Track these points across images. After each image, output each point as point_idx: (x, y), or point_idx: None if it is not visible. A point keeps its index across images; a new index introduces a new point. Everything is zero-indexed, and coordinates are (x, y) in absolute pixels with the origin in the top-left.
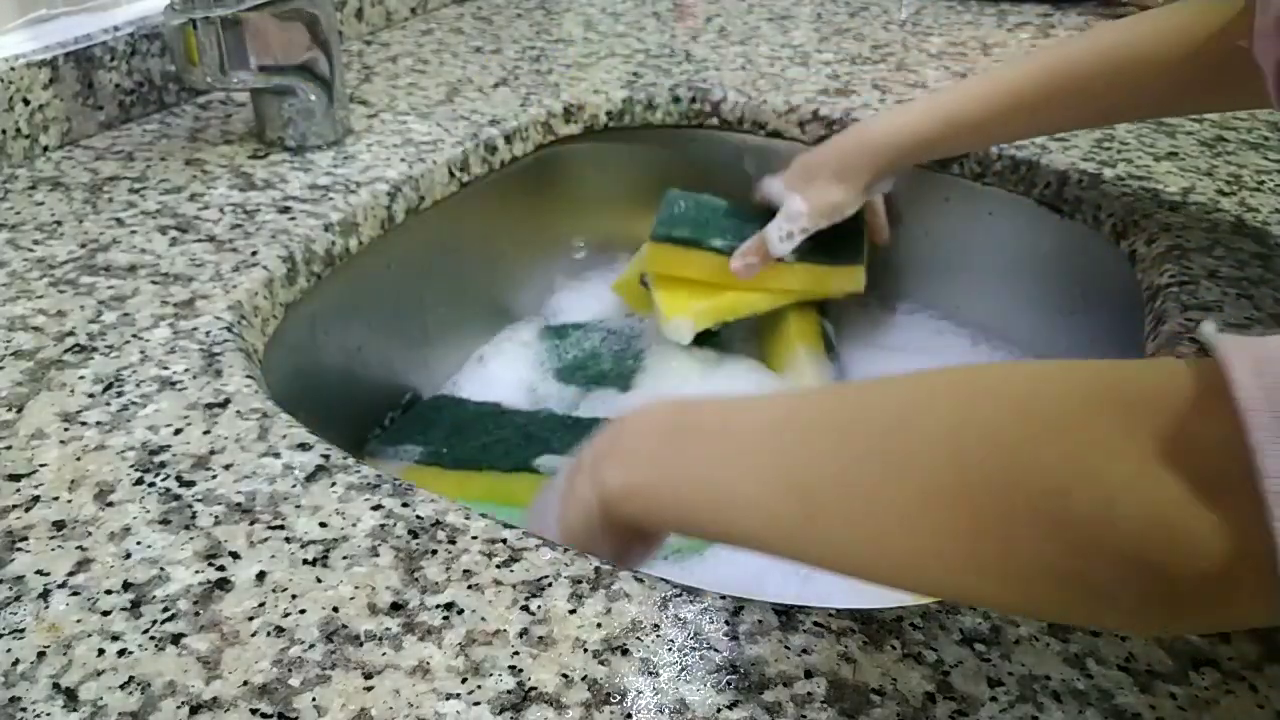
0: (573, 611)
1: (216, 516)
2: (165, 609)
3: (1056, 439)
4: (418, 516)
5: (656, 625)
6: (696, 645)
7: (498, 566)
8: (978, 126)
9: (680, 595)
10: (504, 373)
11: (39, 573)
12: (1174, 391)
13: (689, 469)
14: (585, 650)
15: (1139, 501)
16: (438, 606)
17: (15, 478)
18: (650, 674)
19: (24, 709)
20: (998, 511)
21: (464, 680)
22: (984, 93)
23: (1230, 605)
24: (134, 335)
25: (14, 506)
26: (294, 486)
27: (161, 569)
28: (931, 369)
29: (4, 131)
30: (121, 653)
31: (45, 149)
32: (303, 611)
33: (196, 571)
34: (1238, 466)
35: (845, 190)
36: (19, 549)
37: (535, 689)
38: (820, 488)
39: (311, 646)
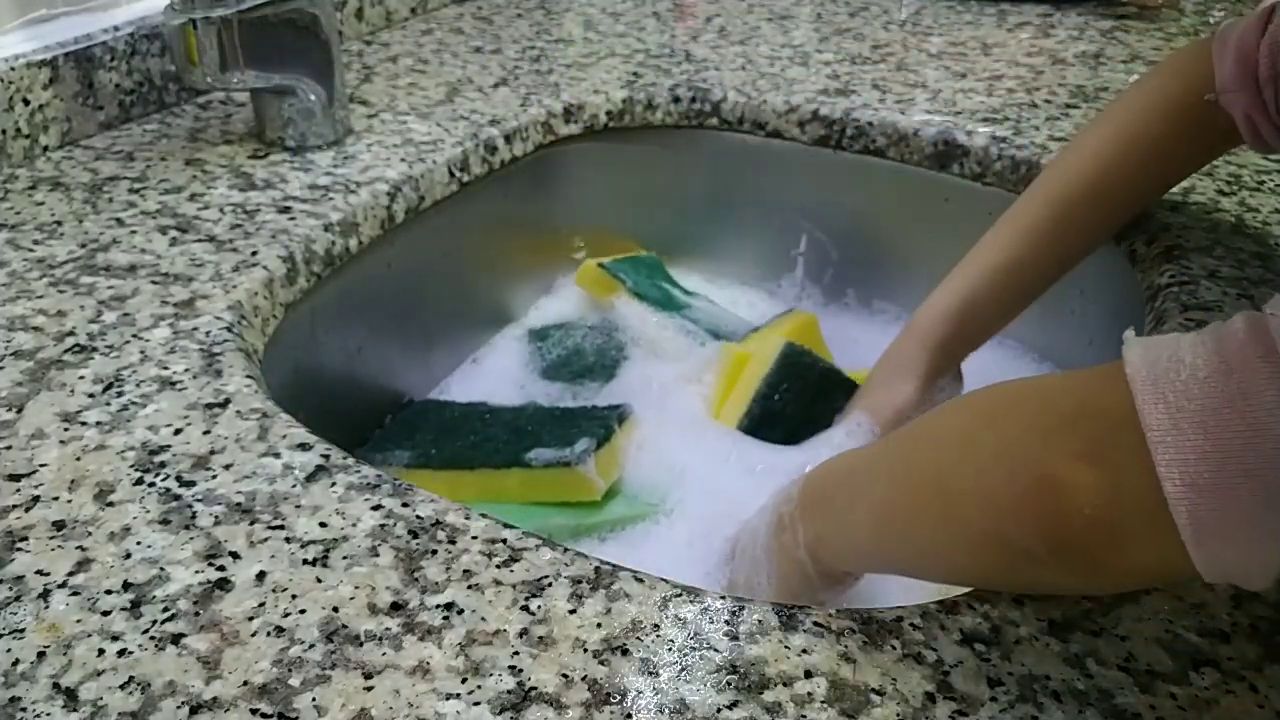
0: (573, 611)
1: (216, 516)
2: (165, 609)
3: (992, 437)
4: (418, 516)
5: (656, 625)
6: (696, 645)
7: (498, 566)
8: (1011, 270)
9: (680, 595)
10: (495, 374)
11: (39, 573)
12: (1084, 383)
13: (841, 517)
14: (585, 650)
15: (1036, 461)
16: (438, 606)
17: (15, 478)
18: (650, 674)
19: (24, 709)
20: (950, 499)
21: (464, 680)
22: (1002, 240)
23: (1125, 552)
24: (134, 335)
25: (14, 506)
26: (294, 486)
27: (161, 569)
28: (935, 414)
29: (4, 131)
30: (121, 653)
31: (45, 149)
32: (303, 611)
33: (196, 571)
34: (1126, 431)
35: (907, 387)
36: (19, 549)
37: (535, 689)
38: (886, 517)
39: (311, 646)
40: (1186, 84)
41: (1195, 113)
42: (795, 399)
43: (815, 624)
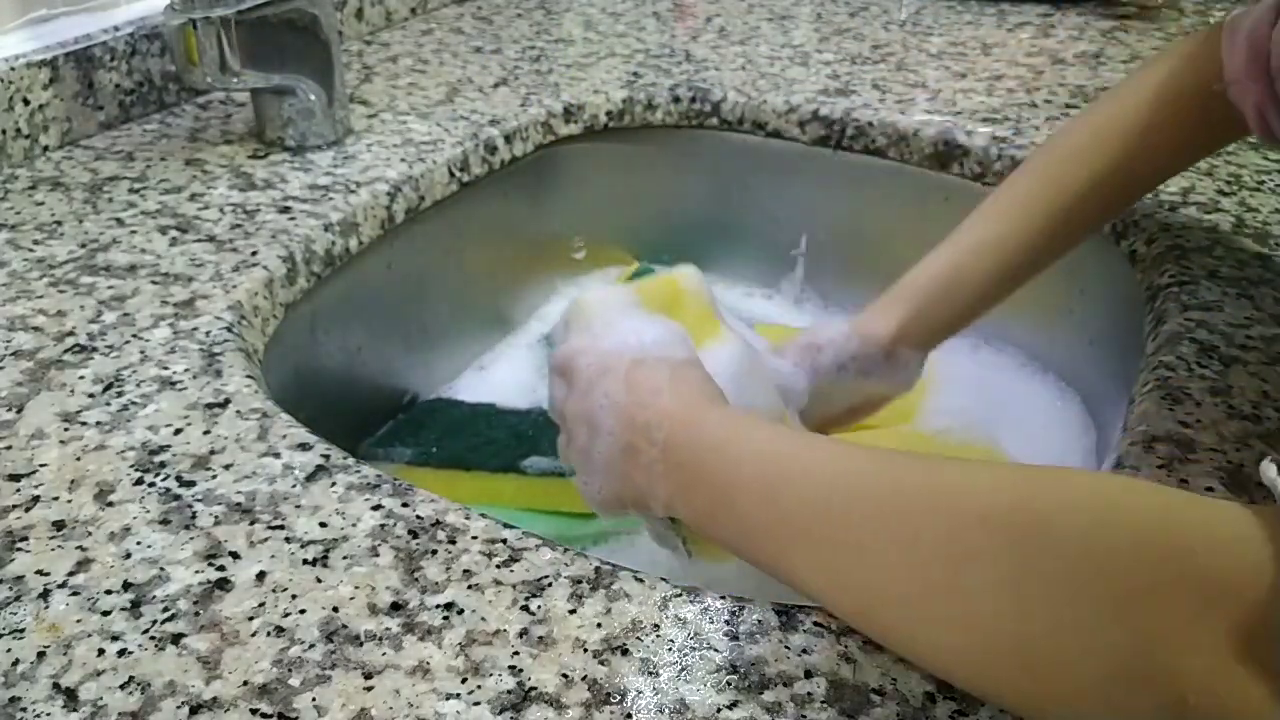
0: (573, 611)
1: (216, 516)
2: (165, 609)
3: (1126, 617)
4: (418, 516)
5: (656, 625)
6: (696, 645)
7: (498, 566)
8: (999, 245)
9: (680, 595)
10: (504, 376)
11: (39, 573)
12: (1249, 567)
13: (743, 534)
14: (585, 650)
15: (1213, 704)
16: (438, 606)
17: (15, 478)
18: (650, 674)
19: (24, 709)
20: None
21: (464, 680)
22: (991, 214)
23: None
24: (134, 335)
25: (14, 506)
26: (294, 486)
27: (161, 569)
28: (976, 475)
29: (4, 131)
30: (121, 653)
31: (45, 149)
32: (303, 611)
33: (196, 571)
34: None
35: (882, 321)
36: (19, 549)
37: (535, 689)
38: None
39: (311, 646)
40: (1195, 72)
41: (1201, 101)
42: None
43: (815, 624)
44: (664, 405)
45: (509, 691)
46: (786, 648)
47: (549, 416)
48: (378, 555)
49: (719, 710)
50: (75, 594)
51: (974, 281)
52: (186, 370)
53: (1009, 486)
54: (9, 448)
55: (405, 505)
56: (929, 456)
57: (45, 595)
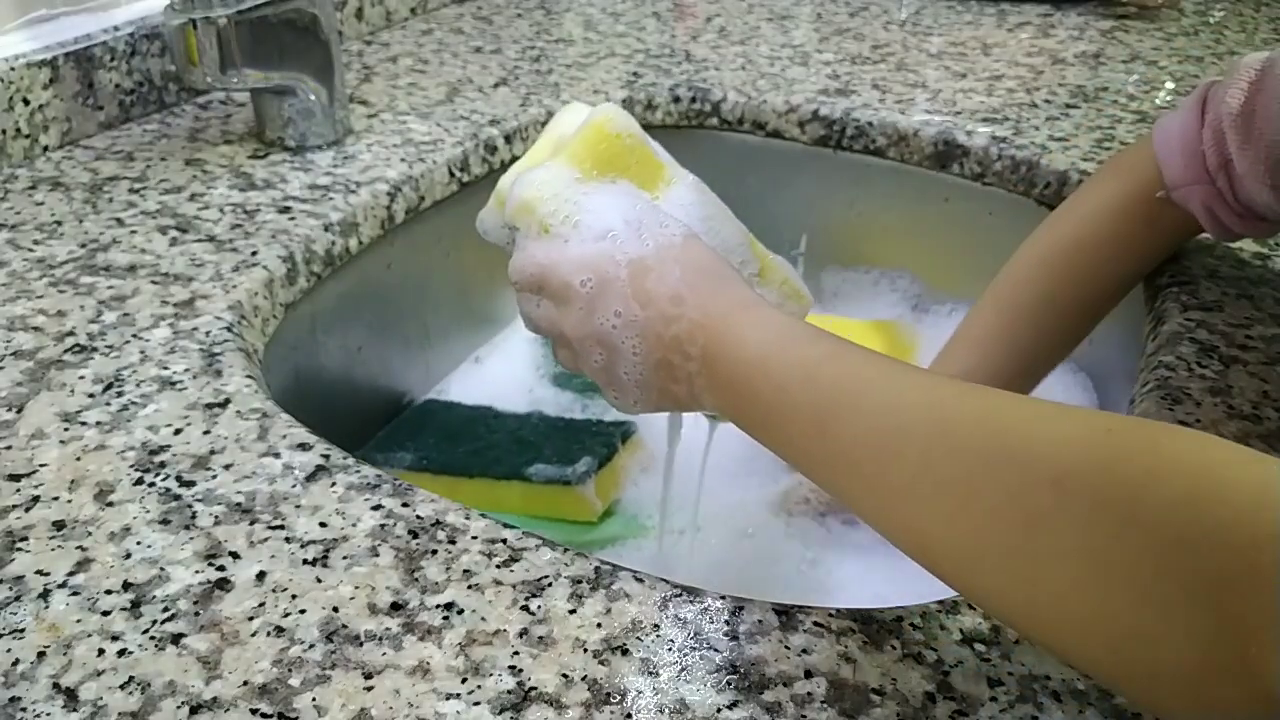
0: (573, 611)
1: (216, 516)
2: (165, 609)
3: (1218, 602)
4: (418, 516)
5: (656, 625)
6: (696, 645)
7: (498, 566)
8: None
9: (680, 595)
10: (500, 375)
11: (39, 573)
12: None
13: (795, 457)
14: (585, 650)
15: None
16: (438, 606)
17: (15, 478)
18: (650, 674)
19: (24, 709)
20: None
21: (464, 680)
22: (952, 354)
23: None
24: (134, 335)
25: (14, 506)
26: (294, 486)
27: (161, 569)
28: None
29: (4, 131)
30: (121, 653)
31: (45, 149)
32: (303, 611)
33: (196, 571)
34: None
35: None
36: (19, 549)
37: (535, 689)
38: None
39: (311, 646)
40: (1136, 182)
41: (1146, 209)
42: None
43: (815, 624)
44: (691, 315)
45: (509, 691)
46: (786, 648)
47: (549, 419)
48: (378, 555)
49: (719, 710)
50: (75, 594)
51: None
52: (186, 370)
53: (1089, 445)
54: (9, 448)
55: (405, 505)
56: (986, 392)
57: (45, 595)
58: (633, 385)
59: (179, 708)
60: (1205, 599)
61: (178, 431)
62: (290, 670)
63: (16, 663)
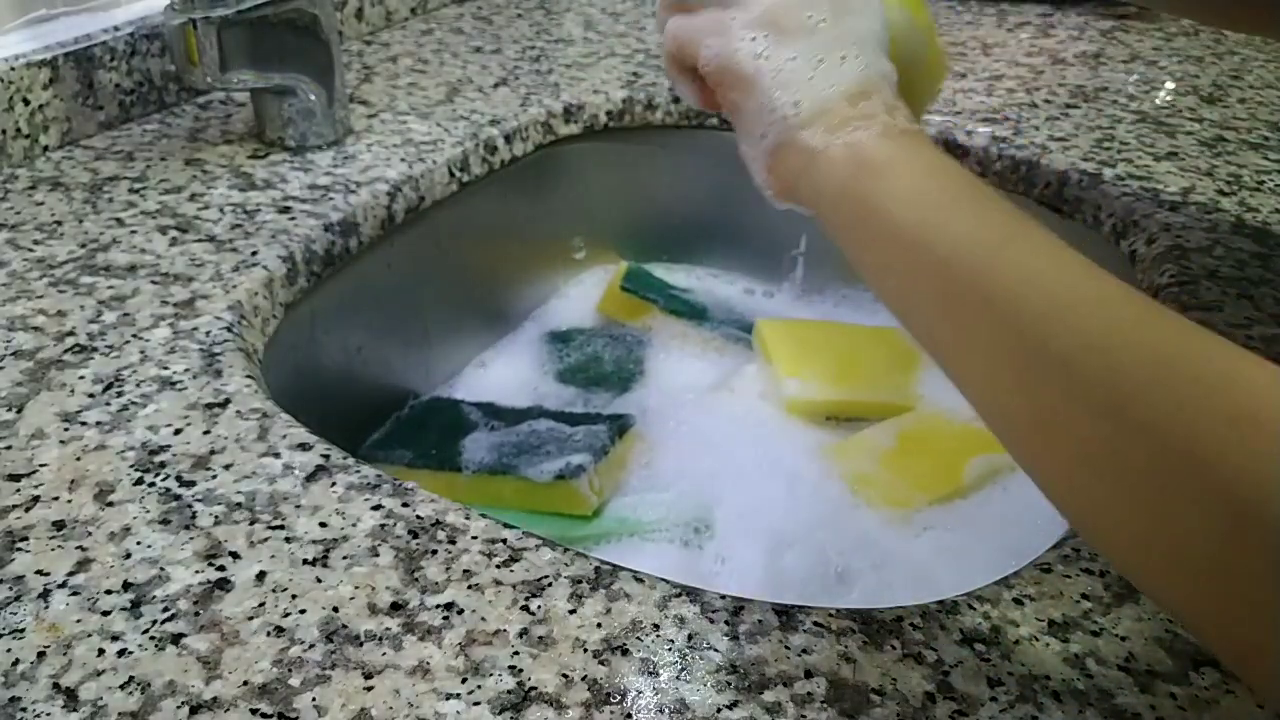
0: (573, 611)
1: (216, 516)
2: (165, 609)
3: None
4: (418, 516)
5: (656, 625)
6: (696, 645)
7: (498, 566)
8: None
9: (680, 595)
10: (504, 374)
11: (39, 573)
12: None
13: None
14: (585, 650)
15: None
16: (438, 606)
17: (15, 478)
18: (650, 674)
19: (24, 709)
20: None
21: (464, 680)
22: None
23: None
24: (134, 335)
25: (14, 506)
26: (294, 486)
27: (161, 569)
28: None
29: (4, 131)
30: (121, 653)
31: (45, 149)
32: (303, 611)
33: (196, 571)
34: None
35: None
36: (19, 549)
37: (535, 689)
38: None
39: (311, 646)
40: None
41: None
42: None
43: (815, 624)
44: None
45: (509, 691)
46: (786, 648)
47: (549, 413)
48: (378, 555)
49: (719, 710)
50: (75, 594)
51: None
52: (186, 370)
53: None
54: (9, 448)
55: (405, 505)
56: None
57: (45, 595)
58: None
59: (179, 708)
60: (1210, 517)
61: (178, 431)
62: (290, 670)
63: (16, 663)
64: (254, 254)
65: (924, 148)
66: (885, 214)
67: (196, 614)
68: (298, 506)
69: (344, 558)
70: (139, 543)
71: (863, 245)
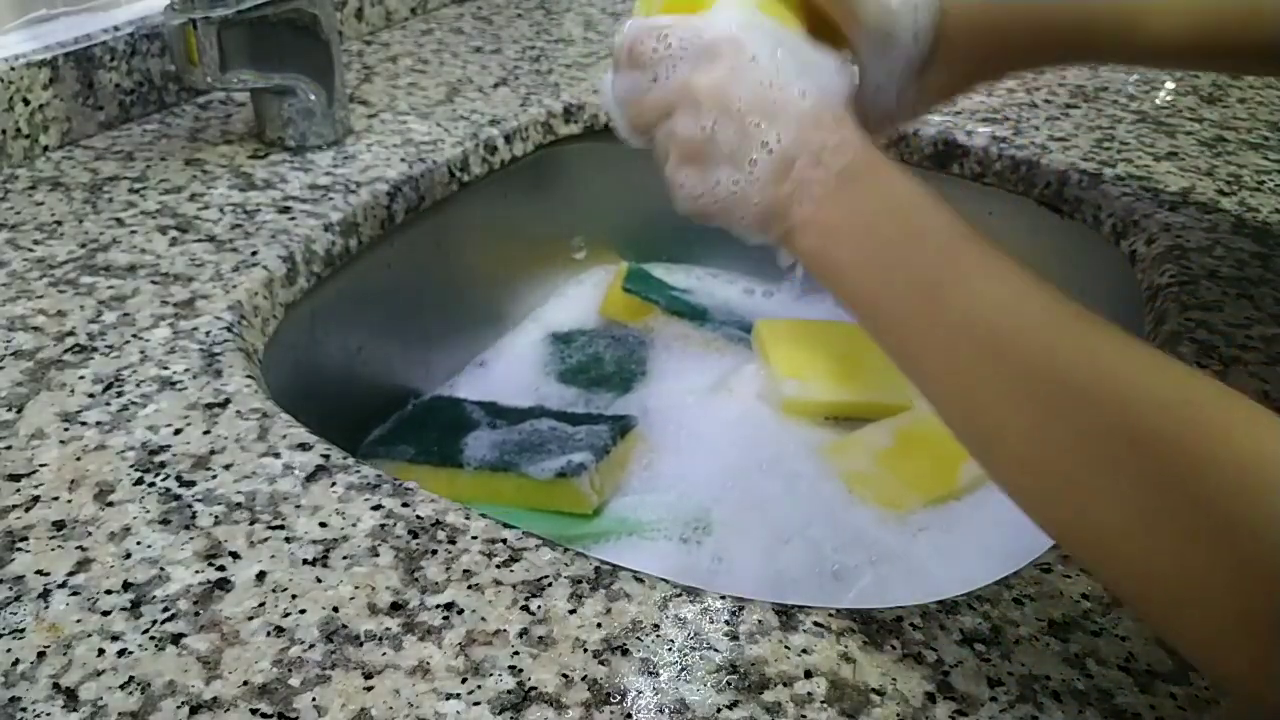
0: (573, 611)
1: (216, 516)
2: (165, 609)
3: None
4: (418, 516)
5: (656, 625)
6: (696, 645)
7: (498, 566)
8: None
9: (680, 595)
10: (504, 374)
11: (39, 573)
12: None
13: (883, 293)
14: (585, 650)
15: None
16: (438, 606)
17: (15, 478)
18: (650, 674)
19: (24, 709)
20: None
21: (464, 680)
22: None
23: None
24: (134, 335)
25: (14, 506)
26: (294, 486)
27: (161, 569)
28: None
29: (4, 131)
30: (121, 653)
31: (45, 149)
32: (303, 611)
33: (196, 571)
34: None
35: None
36: (19, 549)
37: (535, 689)
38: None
39: (311, 646)
40: None
41: None
42: None
43: (815, 624)
44: (848, 137)
45: (509, 691)
46: (786, 648)
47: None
48: (378, 555)
49: (719, 710)
50: (75, 594)
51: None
52: (186, 370)
53: (1177, 409)
54: (9, 448)
55: (405, 505)
56: (1108, 329)
57: (45, 595)
58: (738, 165)
59: (179, 708)
60: (1241, 587)
61: (178, 431)
62: (290, 670)
63: (16, 663)
64: (254, 254)
65: (862, 198)
66: (846, 286)
67: (196, 614)
68: (298, 506)
69: (344, 558)
70: (139, 543)
71: (845, 297)
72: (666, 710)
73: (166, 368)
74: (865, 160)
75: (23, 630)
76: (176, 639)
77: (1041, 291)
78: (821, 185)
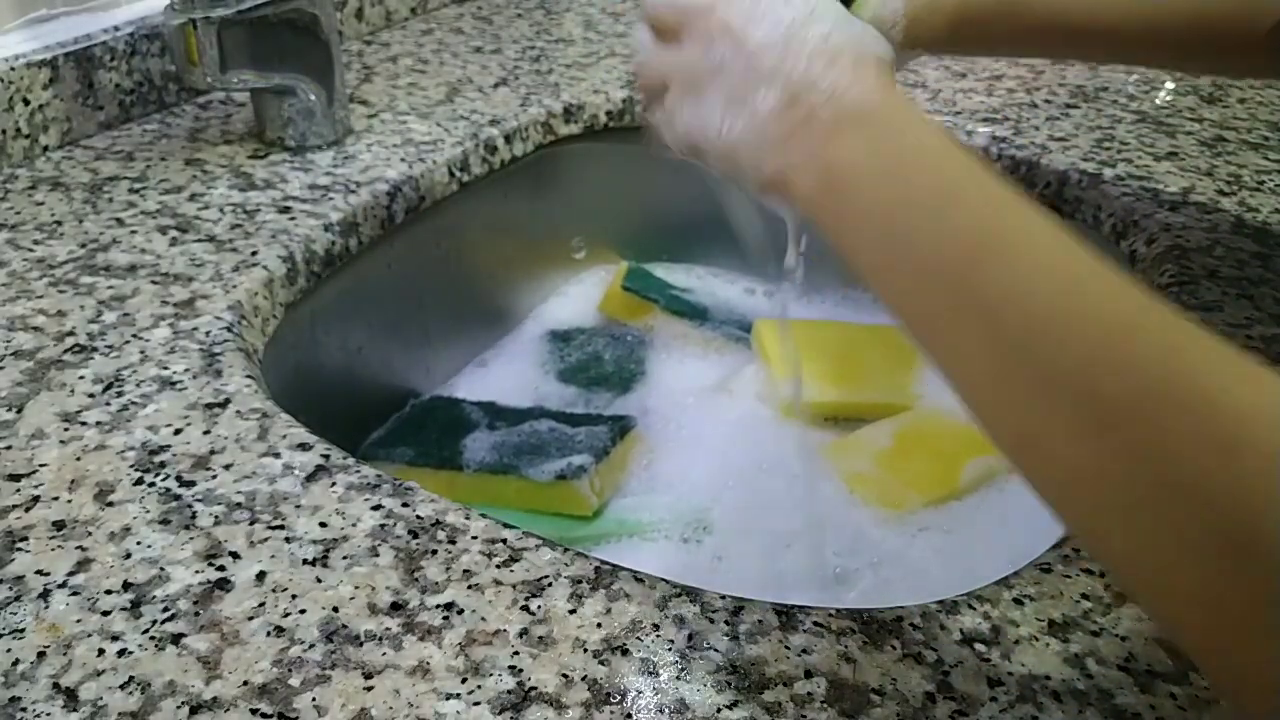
0: (573, 611)
1: (216, 516)
2: (165, 609)
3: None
4: (418, 516)
5: (656, 625)
6: (696, 645)
7: (498, 566)
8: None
9: (680, 595)
10: (505, 374)
11: (39, 573)
12: None
13: (874, 239)
14: (585, 650)
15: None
16: (438, 606)
17: (15, 478)
18: (650, 674)
19: (24, 709)
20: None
21: (464, 680)
22: None
23: None
24: (134, 335)
25: (14, 506)
26: (294, 486)
27: (161, 569)
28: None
29: (4, 131)
30: (121, 653)
31: (45, 149)
32: (303, 611)
33: (196, 571)
34: None
35: None
36: (19, 549)
37: (535, 689)
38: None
39: (311, 646)
40: None
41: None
42: None
43: (815, 624)
44: (868, 77)
45: (509, 691)
46: (786, 648)
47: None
48: (378, 555)
49: (719, 710)
50: (75, 594)
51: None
52: (186, 370)
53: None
54: (9, 448)
55: (405, 505)
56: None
57: (45, 595)
58: (735, 100)
59: (179, 708)
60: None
61: (178, 431)
62: (290, 670)
63: (16, 663)
64: (254, 254)
65: (880, 140)
66: (856, 236)
67: (196, 614)
68: (298, 506)
69: (344, 558)
70: (139, 543)
71: (848, 252)
72: (666, 710)
73: (166, 368)
74: (887, 102)
75: (23, 630)
76: (176, 639)
77: (1106, 271)
78: (830, 123)
